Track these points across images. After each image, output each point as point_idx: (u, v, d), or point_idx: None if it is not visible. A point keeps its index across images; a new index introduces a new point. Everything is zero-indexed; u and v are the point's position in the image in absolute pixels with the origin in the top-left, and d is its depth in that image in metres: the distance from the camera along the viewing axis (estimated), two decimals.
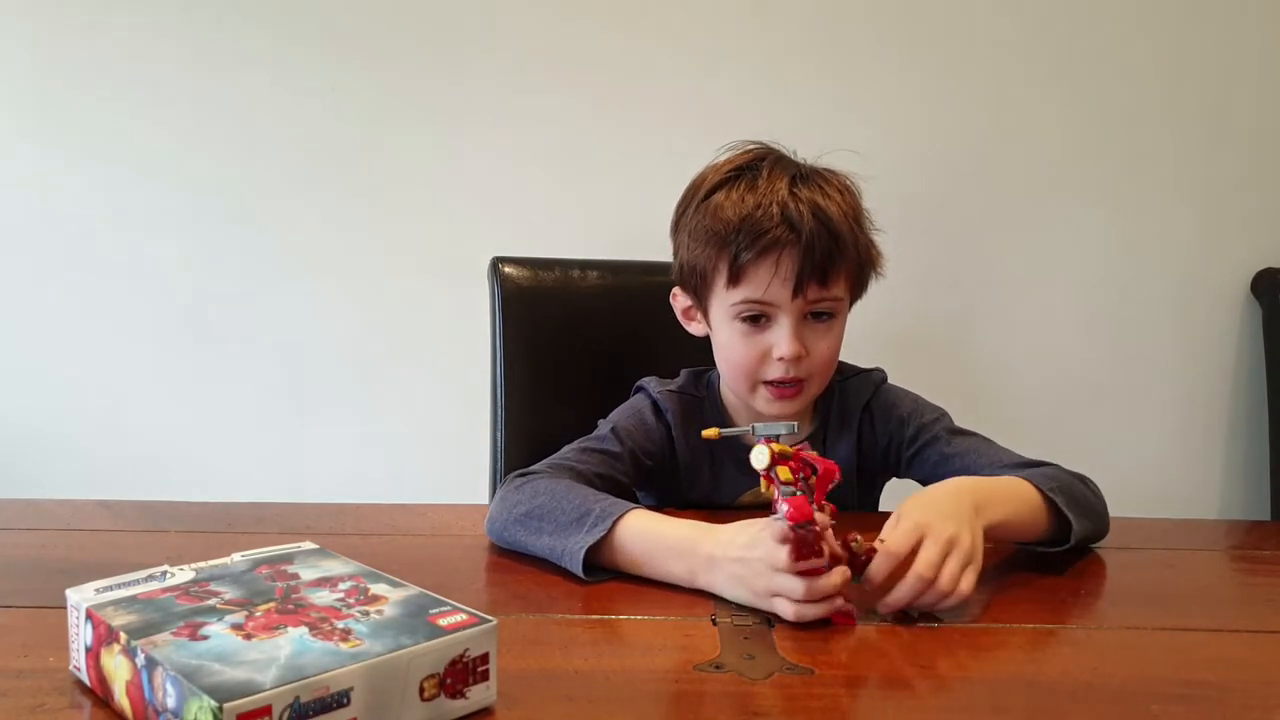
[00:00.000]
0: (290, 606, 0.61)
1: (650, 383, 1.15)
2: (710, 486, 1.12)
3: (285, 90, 1.71)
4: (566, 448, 1.05)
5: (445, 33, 1.71)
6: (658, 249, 1.54)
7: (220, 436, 1.77)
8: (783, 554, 0.75)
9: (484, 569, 0.90)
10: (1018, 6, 1.76)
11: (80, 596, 0.61)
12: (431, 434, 1.76)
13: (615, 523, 0.84)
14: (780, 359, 1.01)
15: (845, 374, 1.16)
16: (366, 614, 0.60)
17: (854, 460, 1.13)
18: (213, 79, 1.70)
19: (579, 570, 0.82)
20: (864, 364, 1.21)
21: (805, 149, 1.13)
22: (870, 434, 1.14)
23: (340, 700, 0.52)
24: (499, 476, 1.33)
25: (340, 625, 0.58)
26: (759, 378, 1.04)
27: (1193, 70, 1.79)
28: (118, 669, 0.56)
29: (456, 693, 0.57)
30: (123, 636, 0.56)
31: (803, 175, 1.04)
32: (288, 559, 0.70)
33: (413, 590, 0.64)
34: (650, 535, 0.84)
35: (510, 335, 1.35)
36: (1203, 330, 1.83)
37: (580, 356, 1.37)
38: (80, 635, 0.60)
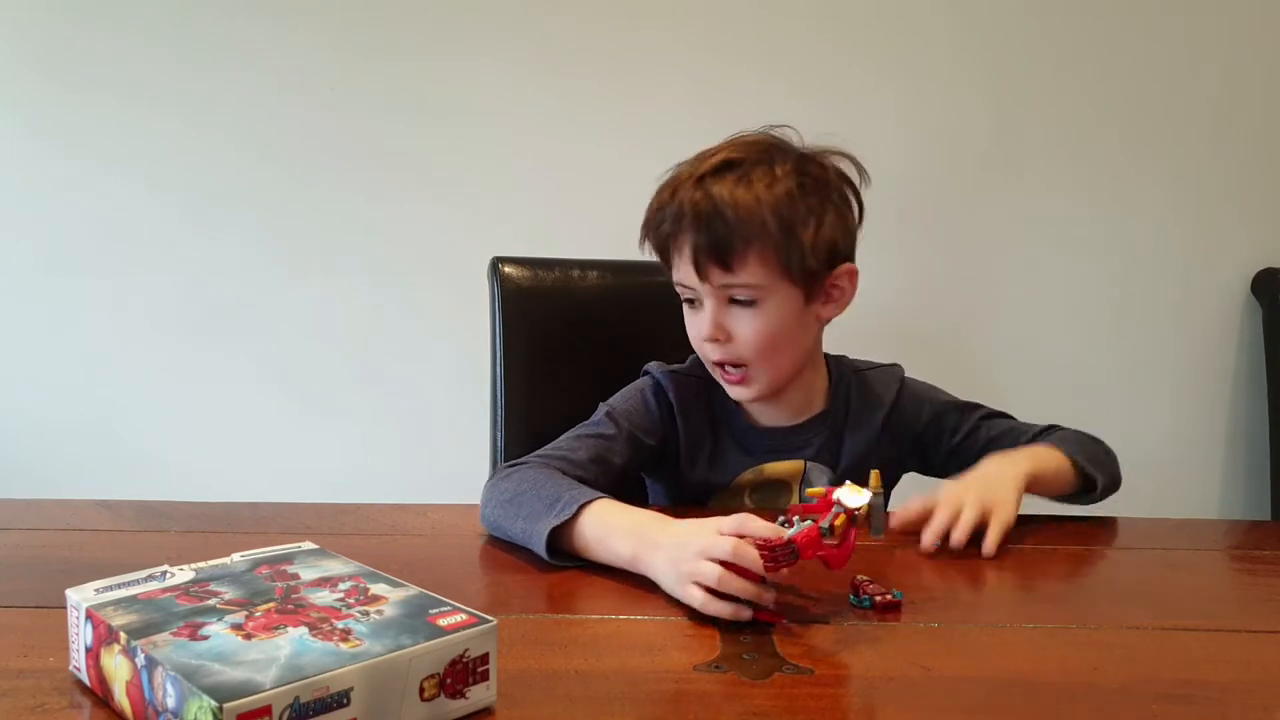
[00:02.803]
0: (290, 606, 0.61)
1: (655, 366, 1.18)
2: (709, 466, 1.14)
3: (284, 90, 1.71)
4: (562, 436, 1.08)
5: (445, 33, 1.71)
6: None
7: (220, 436, 1.77)
8: (720, 544, 0.75)
9: (484, 569, 0.90)
10: (1018, 7, 1.76)
11: (80, 596, 0.61)
12: (431, 434, 1.77)
13: (581, 508, 0.87)
14: (703, 340, 1.07)
15: (860, 367, 1.20)
16: (366, 614, 0.60)
17: (874, 451, 1.15)
18: (211, 78, 1.70)
19: (543, 552, 0.86)
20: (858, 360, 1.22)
21: (808, 143, 1.14)
22: (900, 427, 1.17)
23: (340, 700, 0.52)
24: None
25: (340, 625, 0.58)
26: (709, 358, 1.10)
27: (1193, 70, 1.79)
28: (118, 669, 0.56)
29: (456, 693, 0.57)
30: (123, 636, 0.56)
31: (732, 164, 1.05)
32: (288, 559, 0.70)
33: (413, 590, 0.64)
34: (607, 520, 0.87)
35: (510, 335, 1.35)
36: (1203, 330, 1.84)
37: (580, 356, 1.37)
38: (80, 635, 0.60)
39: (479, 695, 0.58)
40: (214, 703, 0.48)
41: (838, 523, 0.75)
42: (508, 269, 1.37)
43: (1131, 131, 1.79)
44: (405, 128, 1.72)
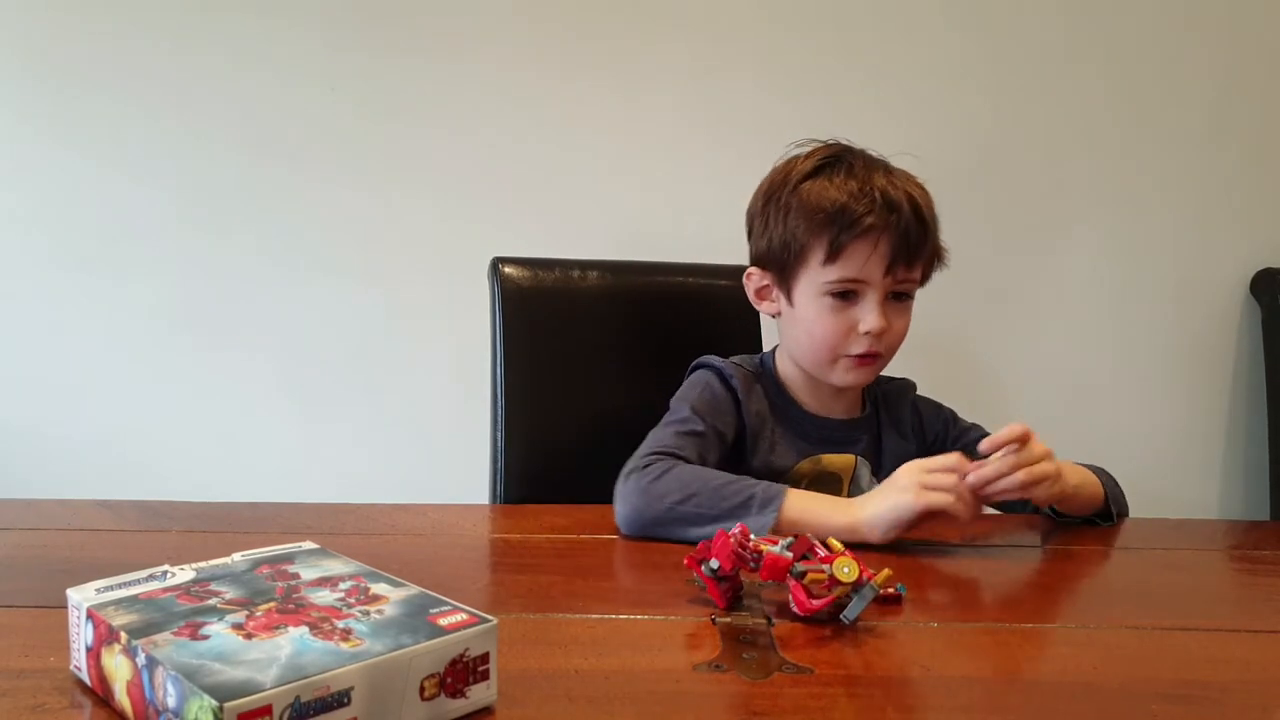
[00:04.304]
0: (291, 606, 0.61)
1: (709, 359, 1.20)
2: (771, 451, 1.16)
3: (284, 89, 1.71)
4: (659, 434, 1.09)
5: (446, 33, 1.71)
6: (658, 249, 1.54)
7: (221, 436, 1.77)
8: (929, 459, 0.94)
9: (484, 569, 0.90)
10: (1016, 9, 1.76)
11: (81, 596, 0.61)
12: (431, 434, 1.77)
13: (781, 502, 0.94)
14: (867, 332, 1.09)
15: (879, 381, 1.23)
16: (367, 614, 0.60)
17: (909, 457, 1.18)
18: (211, 78, 1.70)
19: None
20: None
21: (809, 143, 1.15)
22: (920, 432, 1.24)
23: (340, 700, 0.52)
24: (499, 476, 1.33)
25: (341, 625, 0.58)
26: (841, 351, 1.11)
27: (1192, 70, 1.79)
28: (118, 669, 0.56)
29: (457, 692, 0.57)
30: (123, 636, 0.56)
31: (889, 168, 1.13)
32: (288, 559, 0.70)
33: (413, 590, 0.64)
34: (807, 506, 0.96)
35: (510, 335, 1.35)
36: (1203, 330, 1.84)
37: (580, 356, 1.37)
38: (81, 635, 0.60)
39: (479, 695, 0.58)
40: (214, 702, 0.48)
41: (819, 577, 0.74)
42: (508, 269, 1.37)
43: (1131, 132, 1.79)
44: (405, 128, 1.72)
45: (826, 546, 0.77)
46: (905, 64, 1.75)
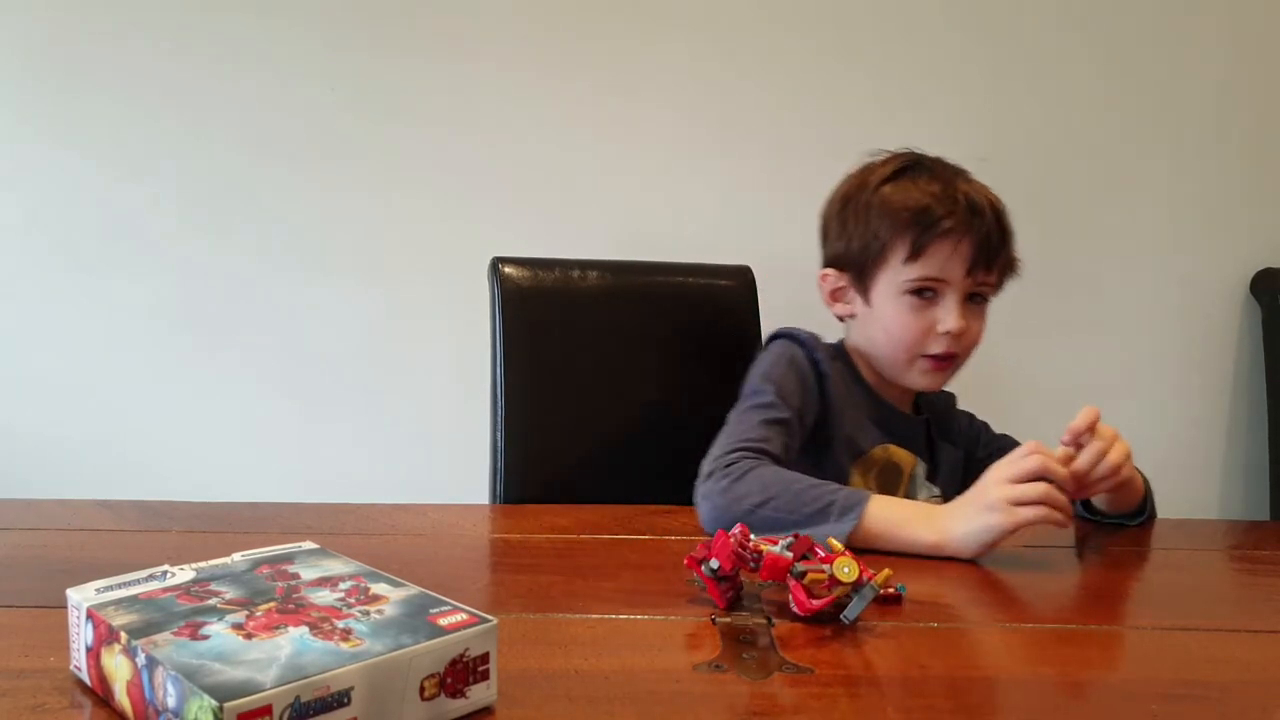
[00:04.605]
0: (291, 606, 0.61)
1: (793, 329, 1.19)
2: (851, 428, 1.17)
3: (284, 89, 1.71)
4: (741, 421, 1.08)
5: (446, 33, 1.71)
6: (658, 249, 1.54)
7: (220, 436, 1.77)
8: (1012, 468, 0.90)
9: (484, 569, 0.90)
10: (1016, 9, 1.76)
11: (81, 596, 0.61)
12: (432, 434, 1.76)
13: (862, 510, 0.93)
14: (946, 333, 1.11)
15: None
16: (367, 614, 0.60)
17: (958, 464, 1.24)
18: (210, 78, 1.70)
19: None
20: None
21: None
22: (963, 443, 1.27)
23: (340, 700, 0.52)
24: (499, 476, 1.33)
25: (341, 625, 0.58)
26: (919, 351, 1.13)
27: (1193, 70, 1.79)
28: (118, 669, 0.56)
29: (457, 692, 0.57)
30: (123, 636, 0.56)
31: (968, 176, 1.16)
32: (288, 559, 0.70)
33: (413, 590, 0.64)
34: (894, 515, 0.94)
35: (510, 335, 1.35)
36: (1203, 330, 1.84)
37: (580, 356, 1.37)
38: (81, 635, 0.60)
39: (479, 695, 0.58)
40: (214, 702, 0.48)
41: (819, 577, 0.74)
42: (508, 269, 1.37)
43: (1131, 131, 1.79)
44: (405, 128, 1.72)
45: (827, 546, 0.78)
46: (905, 64, 1.75)
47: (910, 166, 1.15)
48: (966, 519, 0.92)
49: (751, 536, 0.78)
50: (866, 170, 1.18)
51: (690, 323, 1.42)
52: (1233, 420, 1.86)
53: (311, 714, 0.51)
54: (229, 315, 1.74)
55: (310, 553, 0.72)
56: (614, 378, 1.37)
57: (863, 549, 0.89)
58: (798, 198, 1.79)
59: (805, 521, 0.93)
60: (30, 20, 1.67)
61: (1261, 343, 1.81)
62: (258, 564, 0.68)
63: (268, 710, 0.49)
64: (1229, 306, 1.83)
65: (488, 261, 1.39)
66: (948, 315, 1.11)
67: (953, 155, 1.79)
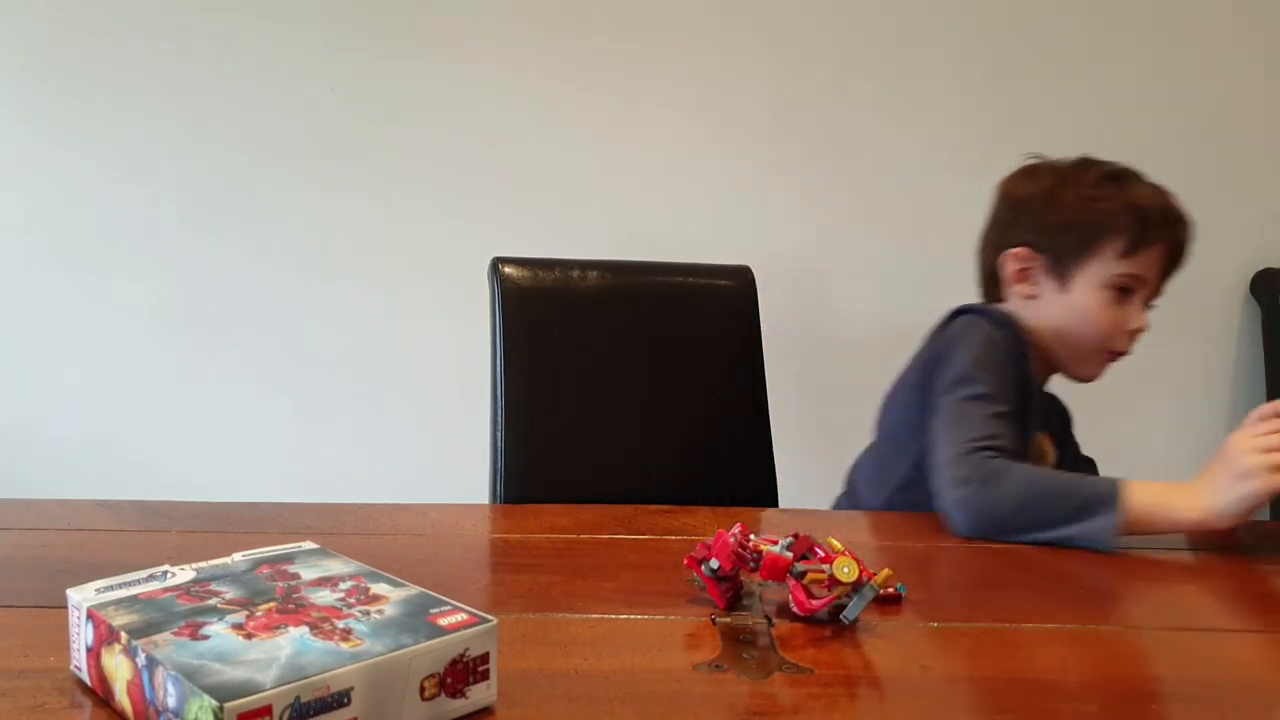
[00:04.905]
0: (291, 606, 0.61)
1: (987, 307, 1.21)
2: (1037, 420, 1.19)
3: (284, 90, 1.71)
4: (966, 414, 1.07)
5: (446, 33, 1.71)
6: (658, 249, 1.54)
7: (221, 436, 1.77)
8: (1258, 435, 0.93)
9: (484, 569, 0.90)
10: (1015, 10, 1.76)
11: (81, 596, 0.61)
12: (432, 434, 1.77)
13: (1123, 499, 0.95)
14: (1133, 330, 1.17)
15: None
16: (367, 614, 0.60)
17: (1066, 456, 1.28)
18: (211, 79, 1.70)
19: (1109, 548, 0.95)
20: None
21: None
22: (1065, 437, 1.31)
23: (340, 700, 0.52)
24: (499, 476, 1.33)
25: (341, 625, 0.58)
26: (1107, 345, 1.18)
27: (1193, 70, 1.79)
28: (118, 669, 0.56)
29: (457, 692, 0.57)
30: (123, 636, 0.56)
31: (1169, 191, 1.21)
32: (288, 559, 0.70)
33: (413, 590, 0.64)
34: (1150, 499, 0.96)
35: (510, 335, 1.35)
36: (1203, 330, 1.84)
37: (580, 356, 1.37)
38: (81, 635, 0.60)
39: (479, 695, 0.58)
40: (215, 702, 0.48)
41: (819, 577, 0.74)
42: (508, 269, 1.37)
43: (1131, 131, 1.79)
44: (405, 128, 1.72)
45: (827, 546, 0.78)
46: (904, 65, 1.75)
47: (1126, 170, 1.22)
48: (1225, 490, 0.94)
49: (752, 536, 0.78)
50: (1081, 162, 1.23)
51: (690, 323, 1.42)
52: (1233, 420, 1.85)
53: (311, 714, 0.51)
54: (229, 315, 1.74)
55: (310, 553, 0.72)
56: (614, 378, 1.37)
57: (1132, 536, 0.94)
58: (798, 198, 1.80)
59: (1068, 520, 0.95)
60: (30, 20, 1.67)
61: (1261, 343, 1.81)
62: (258, 564, 0.68)
63: (268, 710, 0.49)
64: (1229, 306, 1.83)
65: (488, 261, 1.39)
66: (1138, 314, 1.16)
67: (953, 154, 1.79)
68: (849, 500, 1.27)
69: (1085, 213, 1.17)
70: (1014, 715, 0.63)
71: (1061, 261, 1.19)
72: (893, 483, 1.18)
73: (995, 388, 1.09)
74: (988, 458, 1.01)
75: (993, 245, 1.25)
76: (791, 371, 1.79)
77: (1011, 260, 1.23)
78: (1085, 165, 1.23)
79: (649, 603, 0.79)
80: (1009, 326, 1.17)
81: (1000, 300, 1.26)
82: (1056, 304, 1.19)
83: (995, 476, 0.99)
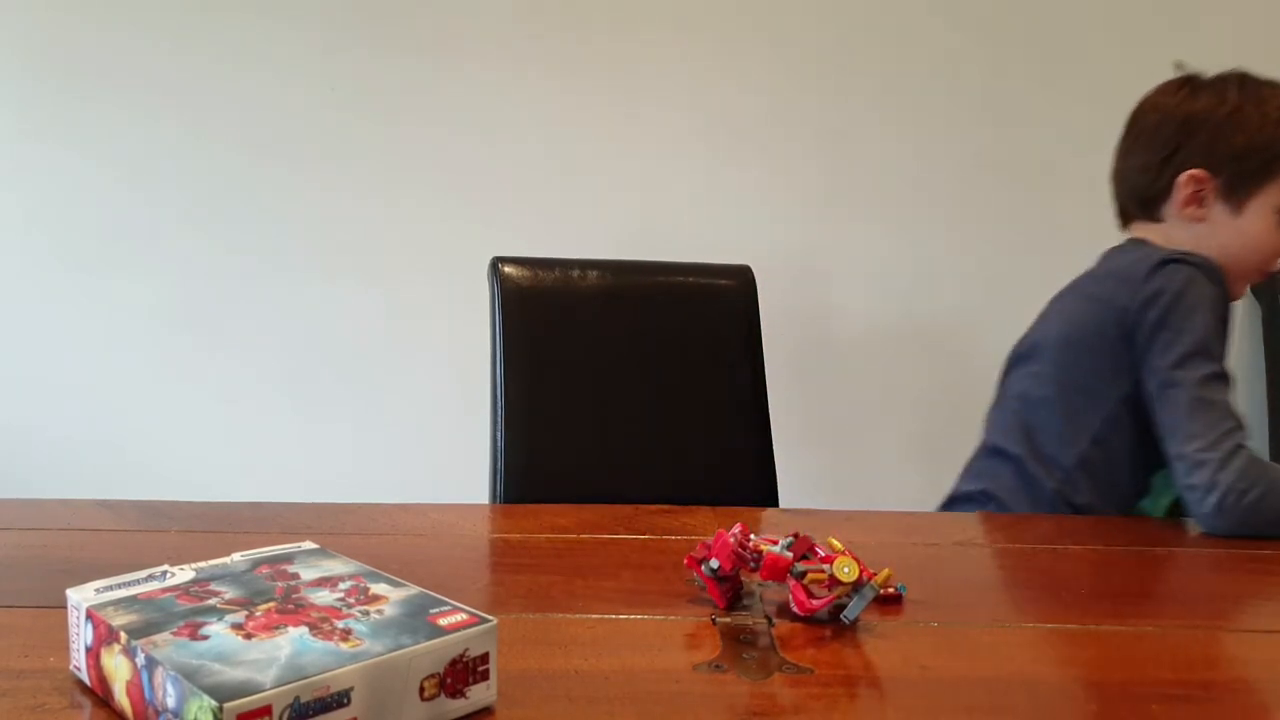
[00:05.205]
0: (290, 606, 0.61)
1: (1191, 256, 1.15)
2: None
3: (284, 90, 1.71)
4: (1211, 395, 1.07)
5: (446, 33, 1.71)
6: (658, 249, 1.54)
7: (220, 436, 1.77)
8: None
9: (484, 569, 0.90)
10: (1015, 10, 1.76)
11: (80, 596, 0.61)
12: (432, 434, 1.77)
13: None
14: None
15: None
16: (367, 614, 0.60)
17: None
18: (211, 79, 1.70)
19: None
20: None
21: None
22: None
23: (340, 700, 0.52)
24: (499, 476, 1.33)
25: (340, 625, 0.58)
26: (1266, 266, 1.17)
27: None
28: (118, 669, 0.56)
29: (456, 692, 0.57)
30: (123, 636, 0.56)
31: None
32: (288, 559, 0.70)
33: (413, 590, 0.64)
34: None
35: (510, 335, 1.35)
36: None
37: (580, 356, 1.37)
38: (80, 635, 0.60)
39: (479, 695, 0.58)
40: (214, 702, 0.48)
41: (819, 577, 0.74)
42: (508, 269, 1.37)
43: None
44: (405, 128, 1.72)
45: (827, 546, 0.78)
46: (904, 65, 1.75)
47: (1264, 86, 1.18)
48: None
49: (752, 536, 0.78)
50: (1254, 83, 1.18)
51: (690, 323, 1.42)
52: None
53: (311, 714, 0.51)
54: (229, 315, 1.74)
55: (310, 553, 0.72)
56: (614, 378, 1.37)
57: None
58: (798, 198, 1.80)
59: None
60: (30, 20, 1.67)
61: (1261, 343, 1.81)
62: (257, 564, 0.68)
63: (267, 710, 0.49)
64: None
65: (488, 261, 1.39)
66: None
67: (951, 154, 1.79)
68: (1029, 464, 1.18)
69: (1271, 137, 1.15)
70: (1014, 715, 0.63)
71: (1239, 186, 1.16)
72: (1086, 437, 1.14)
73: (1224, 358, 1.09)
74: (1247, 458, 1.03)
75: (1154, 166, 1.20)
76: (791, 371, 1.79)
77: (1188, 182, 1.18)
78: (1258, 85, 1.19)
79: (649, 603, 0.79)
80: (1220, 280, 1.14)
81: (1139, 221, 1.23)
82: (1226, 227, 1.17)
83: (1246, 475, 1.01)
